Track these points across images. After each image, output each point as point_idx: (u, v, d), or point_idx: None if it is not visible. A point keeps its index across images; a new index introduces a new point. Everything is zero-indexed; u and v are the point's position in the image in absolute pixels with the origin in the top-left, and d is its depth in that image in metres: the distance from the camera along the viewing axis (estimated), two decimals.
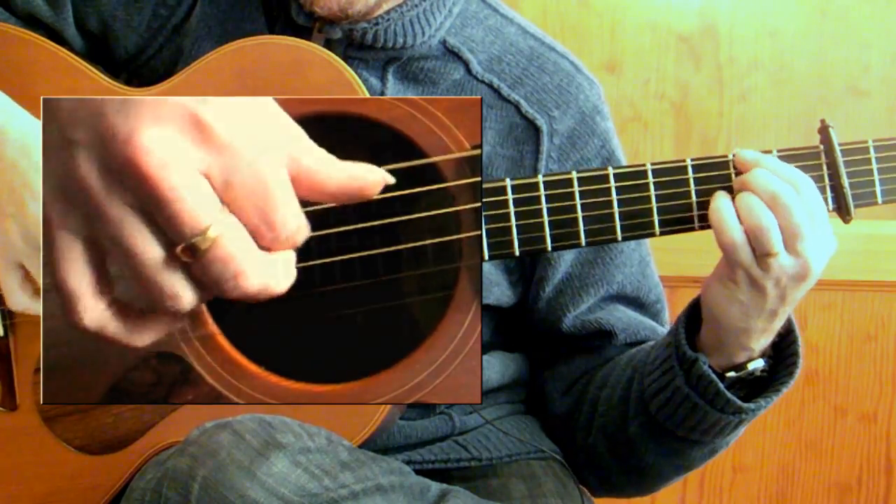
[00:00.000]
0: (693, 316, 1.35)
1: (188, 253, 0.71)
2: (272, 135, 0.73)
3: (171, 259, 0.70)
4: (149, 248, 0.70)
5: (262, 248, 0.72)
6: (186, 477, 1.13)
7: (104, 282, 0.73)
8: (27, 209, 1.22)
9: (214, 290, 0.72)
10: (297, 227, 0.73)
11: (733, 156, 1.28)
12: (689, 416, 1.34)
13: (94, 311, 0.73)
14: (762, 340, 1.31)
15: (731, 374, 1.33)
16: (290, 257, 0.75)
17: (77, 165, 0.69)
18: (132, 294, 0.72)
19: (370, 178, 0.75)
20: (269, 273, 0.73)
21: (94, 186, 0.69)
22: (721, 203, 1.25)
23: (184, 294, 0.72)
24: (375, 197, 0.75)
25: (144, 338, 0.76)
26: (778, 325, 1.31)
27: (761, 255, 1.24)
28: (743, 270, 1.25)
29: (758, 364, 1.33)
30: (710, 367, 1.31)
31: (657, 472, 1.45)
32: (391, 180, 0.76)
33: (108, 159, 0.68)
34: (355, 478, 1.18)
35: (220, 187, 0.70)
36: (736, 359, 1.32)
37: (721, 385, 1.31)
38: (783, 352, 1.35)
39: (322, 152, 0.74)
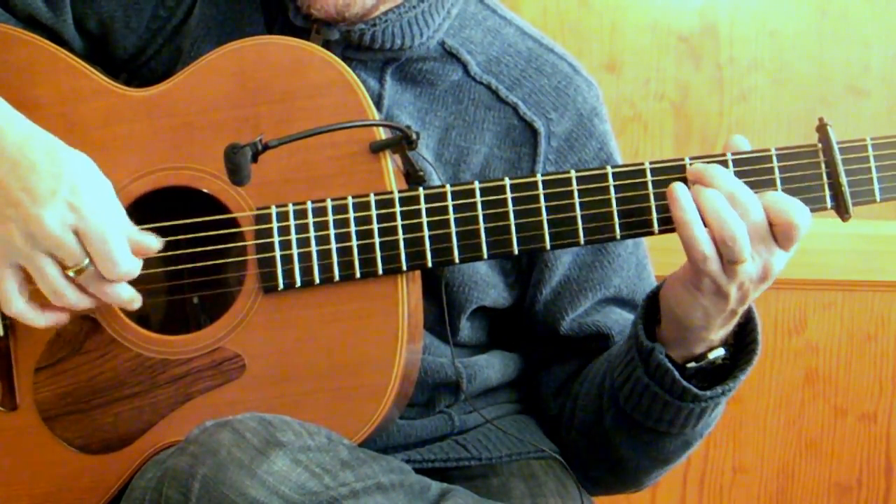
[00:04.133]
0: (652, 308, 1.35)
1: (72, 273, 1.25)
2: (114, 217, 1.25)
3: (63, 276, 1.25)
4: (52, 270, 1.24)
5: (110, 280, 1.26)
6: (187, 476, 1.14)
7: (23, 289, 1.27)
8: (29, 212, 1.22)
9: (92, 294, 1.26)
10: (127, 271, 1.26)
11: (690, 164, 1.28)
12: (652, 406, 1.35)
13: (16, 305, 1.27)
14: (721, 332, 1.32)
15: (692, 364, 1.34)
16: (125, 287, 1.27)
17: (10, 230, 1.23)
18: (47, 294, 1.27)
19: (150, 244, 1.28)
20: (110, 294, 1.27)
21: (20, 239, 1.23)
22: (689, 217, 1.24)
23: (68, 293, 1.26)
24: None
25: (50, 321, 1.29)
26: (737, 319, 1.32)
27: (728, 262, 1.24)
28: (710, 280, 1.25)
29: (718, 353, 1.34)
30: (668, 357, 1.32)
31: (633, 465, 1.45)
32: (159, 246, 1.28)
33: (25, 226, 1.23)
34: (356, 476, 1.18)
35: (85, 244, 1.23)
36: (696, 349, 1.33)
37: (676, 373, 1.31)
38: (744, 339, 1.36)
39: (135, 230, 1.27)
